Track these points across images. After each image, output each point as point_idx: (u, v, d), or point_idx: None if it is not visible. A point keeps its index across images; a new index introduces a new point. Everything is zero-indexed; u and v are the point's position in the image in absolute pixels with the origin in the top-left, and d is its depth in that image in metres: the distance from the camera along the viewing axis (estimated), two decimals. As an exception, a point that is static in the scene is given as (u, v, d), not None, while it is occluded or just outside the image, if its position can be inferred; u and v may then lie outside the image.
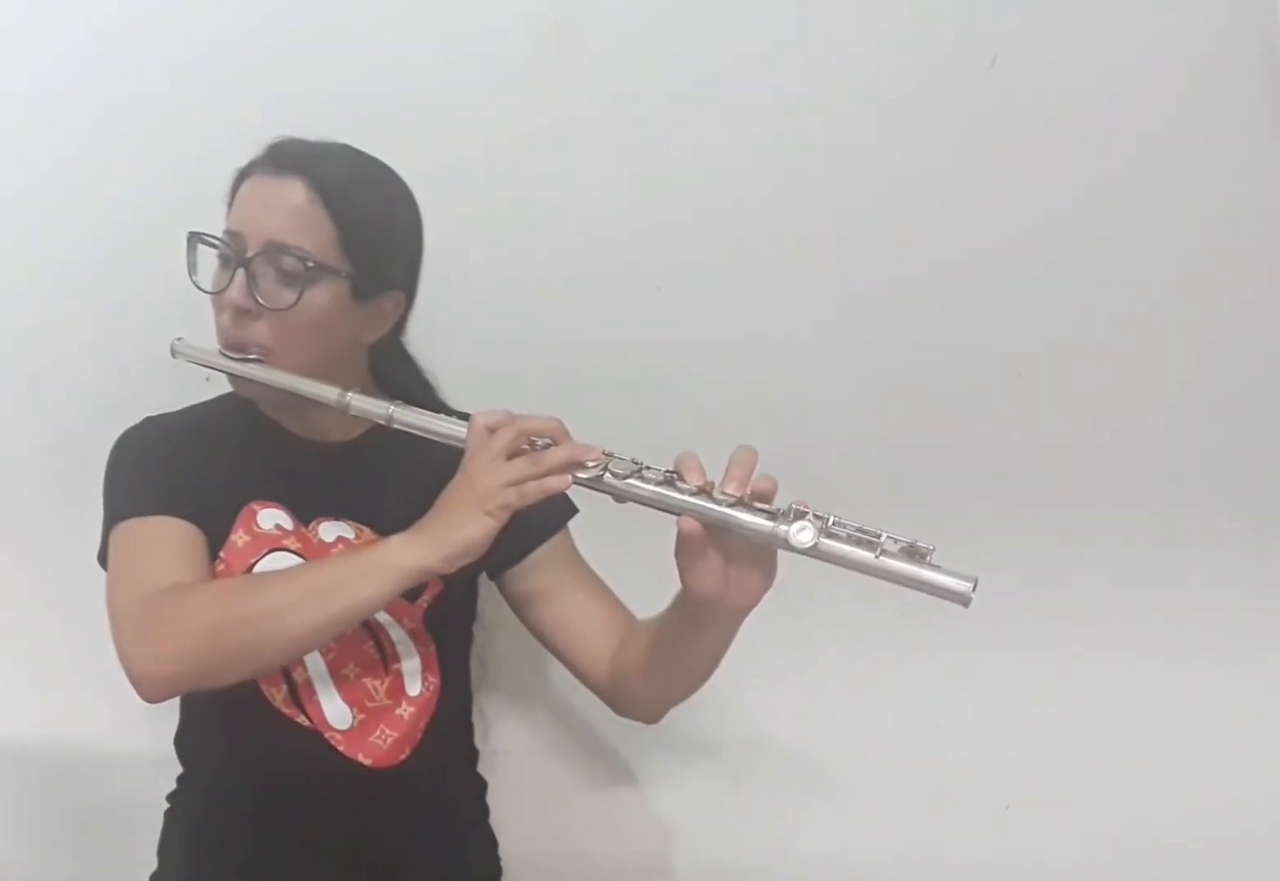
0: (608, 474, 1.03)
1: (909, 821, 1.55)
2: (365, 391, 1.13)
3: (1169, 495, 1.61)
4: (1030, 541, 1.55)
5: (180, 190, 1.39)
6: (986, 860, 1.53)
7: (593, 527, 1.30)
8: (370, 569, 1.05)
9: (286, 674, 1.19)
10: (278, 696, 1.19)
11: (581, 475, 1.03)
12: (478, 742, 1.38)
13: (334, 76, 1.48)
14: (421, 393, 1.29)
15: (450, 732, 1.29)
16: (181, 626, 1.06)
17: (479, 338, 1.50)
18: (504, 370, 1.50)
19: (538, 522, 1.24)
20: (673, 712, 1.24)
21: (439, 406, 1.25)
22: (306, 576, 1.09)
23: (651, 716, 1.26)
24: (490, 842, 1.36)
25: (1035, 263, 1.58)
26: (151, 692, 1.07)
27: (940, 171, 1.56)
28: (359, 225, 1.15)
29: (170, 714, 1.27)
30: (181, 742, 1.30)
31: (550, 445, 1.05)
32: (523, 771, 1.51)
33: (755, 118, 1.54)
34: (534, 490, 1.02)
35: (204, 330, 1.19)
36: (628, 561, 1.30)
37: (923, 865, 1.53)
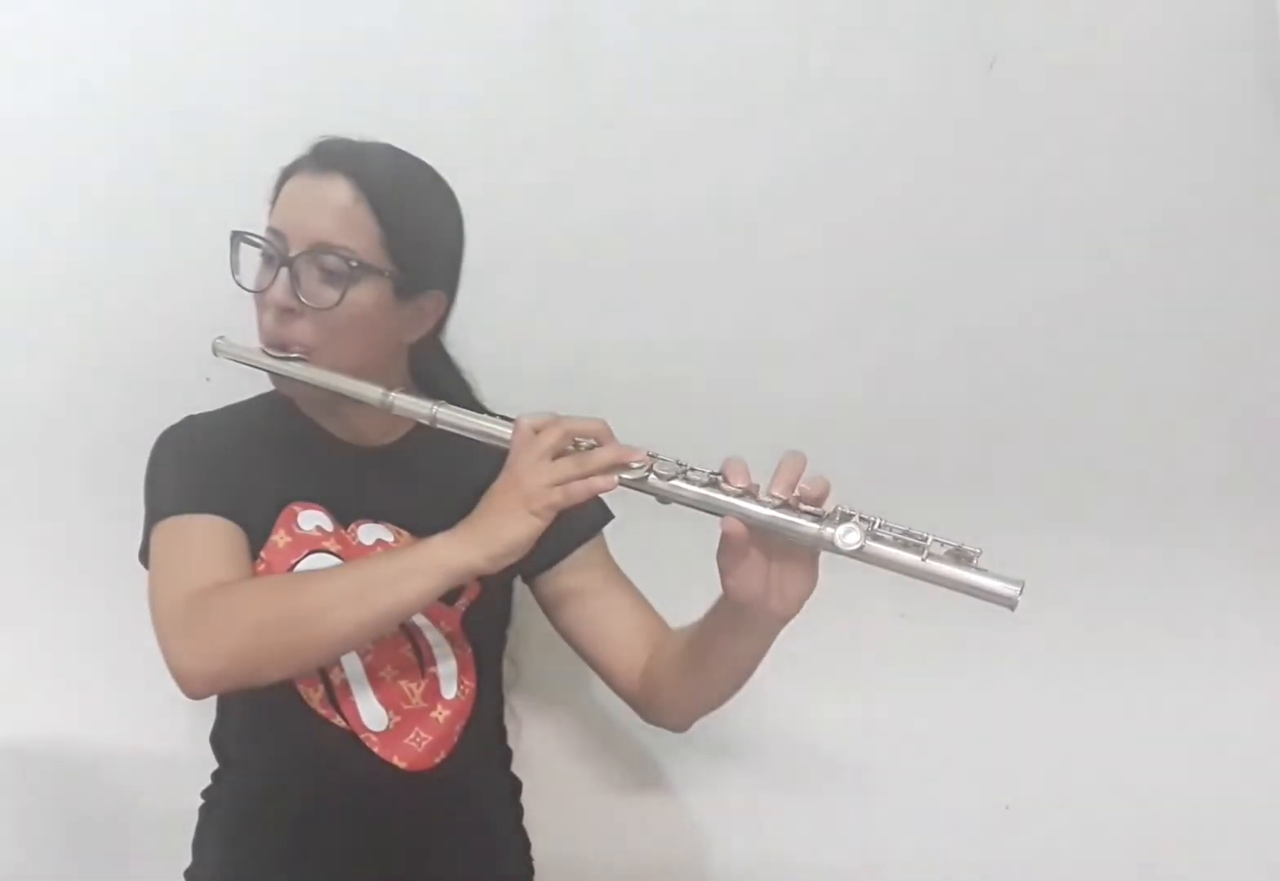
0: (652, 475, 1.03)
1: (909, 821, 1.55)
2: (406, 391, 1.13)
3: (1169, 495, 1.62)
4: (1030, 542, 1.51)
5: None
6: (986, 860, 1.53)
7: (628, 534, 1.30)
8: (416, 567, 1.05)
9: (324, 675, 1.19)
10: (314, 697, 1.19)
11: (626, 476, 1.03)
12: (510, 743, 1.38)
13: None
14: (460, 393, 1.30)
15: (484, 735, 1.29)
16: (228, 623, 1.06)
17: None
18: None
19: (574, 527, 1.24)
20: (705, 716, 1.23)
21: (477, 407, 1.25)
22: (352, 574, 1.09)
23: (680, 724, 1.25)
24: (523, 843, 1.35)
25: (1034, 263, 1.59)
26: (196, 689, 1.08)
27: (941, 172, 1.57)
28: (403, 225, 1.15)
29: (206, 711, 1.28)
30: (218, 740, 1.30)
31: (595, 446, 1.05)
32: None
33: (755, 119, 1.55)
34: (580, 490, 1.02)
35: (243, 329, 1.19)
36: (663, 569, 1.30)
37: (922, 865, 1.53)
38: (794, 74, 1.54)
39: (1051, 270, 1.58)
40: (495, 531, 1.04)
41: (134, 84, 1.49)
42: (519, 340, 1.52)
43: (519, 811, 1.36)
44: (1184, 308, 1.61)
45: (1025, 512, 1.57)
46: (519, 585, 1.32)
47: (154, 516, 1.18)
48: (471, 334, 1.31)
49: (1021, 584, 0.95)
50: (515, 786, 1.37)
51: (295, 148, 1.18)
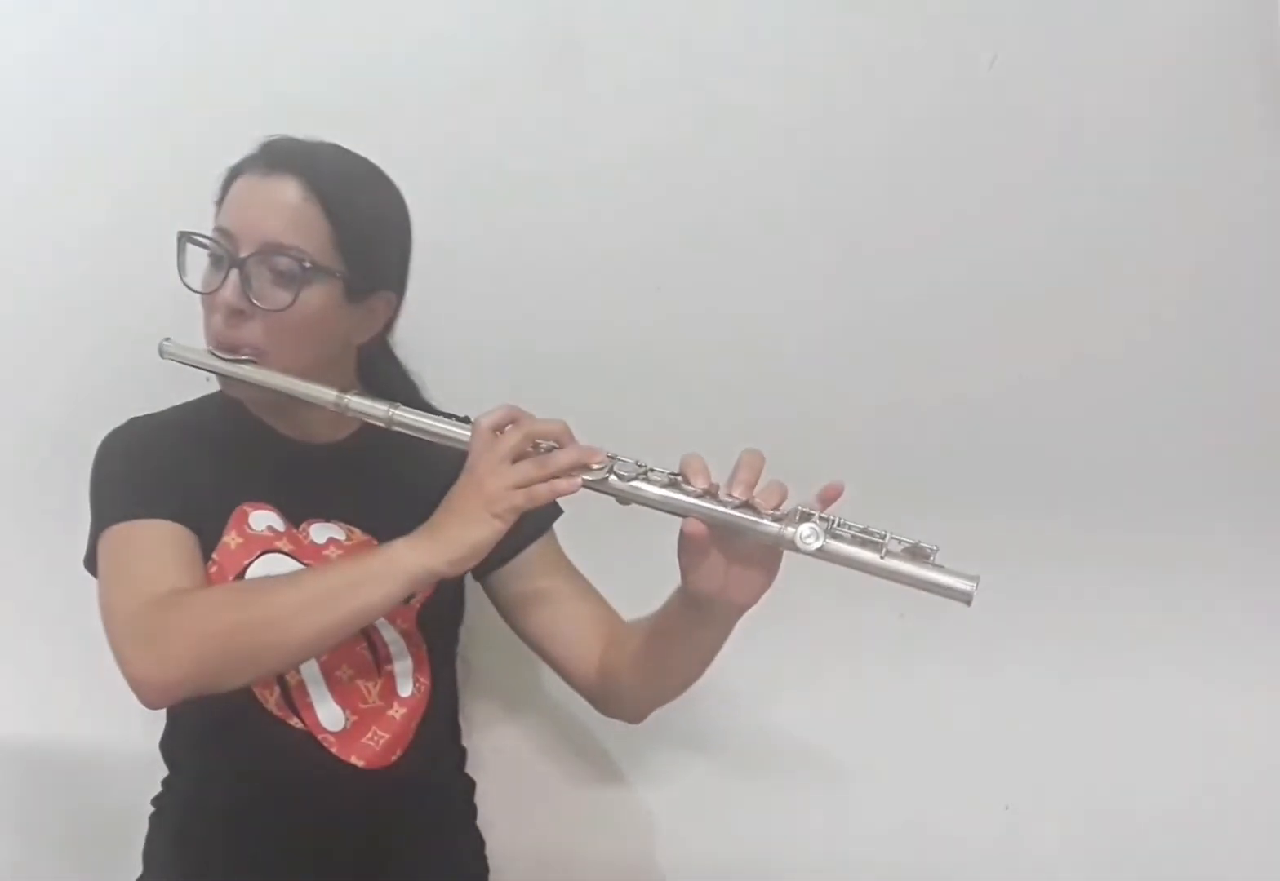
0: (613, 476, 1.04)
1: (908, 821, 1.55)
2: (359, 393, 1.12)
3: (1169, 495, 1.61)
4: (1030, 544, 1.55)
5: (165, 188, 1.38)
6: (986, 860, 1.54)
7: (585, 530, 1.30)
8: (378, 572, 1.05)
9: (279, 677, 1.18)
10: (270, 699, 1.18)
11: (587, 477, 1.04)
12: (464, 742, 1.38)
13: (329, 72, 1.47)
14: (408, 393, 1.29)
15: (439, 733, 1.29)
16: (187, 632, 1.04)
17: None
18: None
19: (525, 524, 1.22)
20: (662, 710, 1.25)
21: (426, 407, 1.24)
22: (313, 581, 1.09)
23: (636, 716, 1.27)
24: (478, 842, 1.36)
25: (1034, 262, 1.59)
26: (155, 699, 1.06)
27: (940, 171, 1.57)
28: (353, 225, 1.14)
29: (156, 717, 1.25)
30: (169, 745, 1.28)
31: (554, 448, 1.05)
32: (509, 770, 1.51)
33: (756, 116, 1.54)
34: (544, 492, 1.03)
35: (188, 329, 1.17)
36: (620, 564, 1.32)
37: (922, 865, 1.54)
38: (794, 75, 1.53)
39: (1050, 269, 1.58)
40: (457, 535, 1.04)
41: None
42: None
43: (474, 810, 1.37)
44: (1183, 307, 1.61)
45: (1023, 512, 1.58)
46: (470, 582, 1.32)
47: (101, 522, 1.15)
48: (467, 336, 1.29)
49: (976, 579, 0.98)
50: (469, 785, 1.37)
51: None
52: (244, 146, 1.17)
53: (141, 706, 1.07)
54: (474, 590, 1.33)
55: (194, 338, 1.17)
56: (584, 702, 1.29)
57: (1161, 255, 1.59)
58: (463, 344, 1.48)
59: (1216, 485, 1.62)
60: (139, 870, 1.27)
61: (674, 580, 1.07)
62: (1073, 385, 1.60)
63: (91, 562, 1.17)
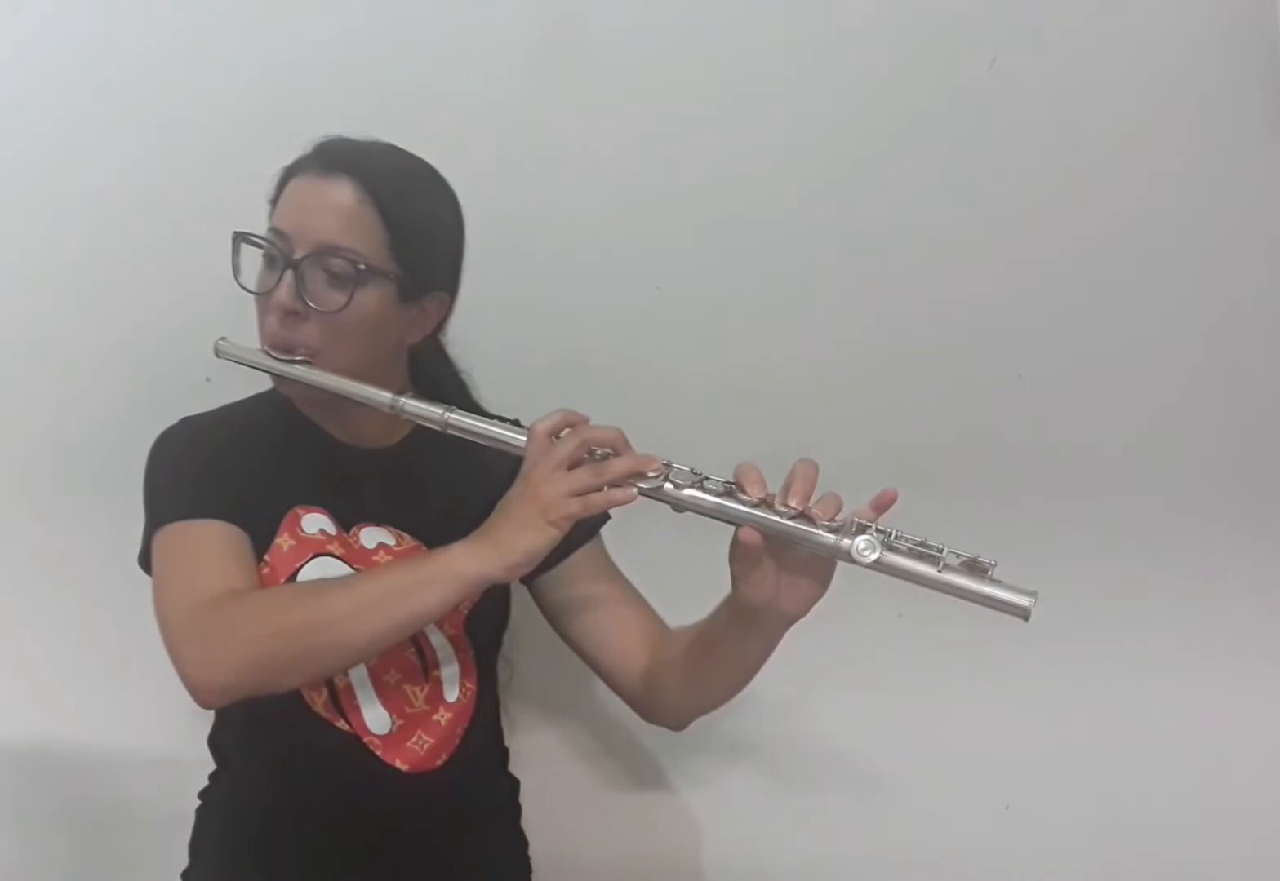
0: (668, 484, 1.03)
1: (909, 821, 1.56)
2: (414, 395, 1.12)
3: (1169, 496, 1.63)
4: (1030, 543, 1.50)
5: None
6: (986, 860, 1.54)
7: (632, 536, 1.30)
8: (433, 577, 1.04)
9: (328, 680, 1.18)
10: (318, 701, 1.18)
11: (642, 485, 1.03)
12: (506, 743, 1.38)
13: (333, 72, 1.48)
14: (459, 393, 1.29)
15: (484, 736, 1.29)
16: (242, 633, 1.04)
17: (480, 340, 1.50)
18: (517, 371, 1.49)
19: (574, 529, 1.23)
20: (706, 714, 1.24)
21: (477, 408, 1.24)
22: (369, 584, 1.08)
23: (679, 724, 1.27)
24: (521, 843, 1.36)
25: (1034, 263, 1.59)
26: (209, 699, 1.07)
27: (941, 172, 1.57)
28: (408, 226, 1.14)
29: (205, 712, 1.24)
30: (216, 742, 1.29)
31: (610, 454, 1.04)
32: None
33: (756, 117, 1.55)
34: (599, 501, 1.03)
35: (240, 327, 1.17)
36: (667, 571, 1.32)
37: (923, 865, 1.54)
38: (796, 74, 1.54)
39: (1052, 270, 1.59)
40: (513, 542, 1.03)
41: (133, 84, 1.46)
42: (524, 342, 1.52)
43: (517, 810, 1.36)
44: (1184, 307, 1.62)
45: (1024, 512, 1.59)
46: (516, 586, 1.32)
47: (155, 522, 1.15)
48: (475, 335, 1.30)
49: (1035, 595, 0.97)
50: (513, 786, 1.37)
51: (295, 148, 1.17)
52: (298, 146, 1.17)
53: (190, 705, 1.07)
54: (519, 593, 1.32)
55: (247, 336, 1.17)
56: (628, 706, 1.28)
57: (1162, 255, 1.60)
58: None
59: (1219, 486, 1.63)
60: (185, 862, 1.28)
61: (721, 587, 1.07)
62: (1074, 386, 1.62)
63: (145, 561, 1.17)
